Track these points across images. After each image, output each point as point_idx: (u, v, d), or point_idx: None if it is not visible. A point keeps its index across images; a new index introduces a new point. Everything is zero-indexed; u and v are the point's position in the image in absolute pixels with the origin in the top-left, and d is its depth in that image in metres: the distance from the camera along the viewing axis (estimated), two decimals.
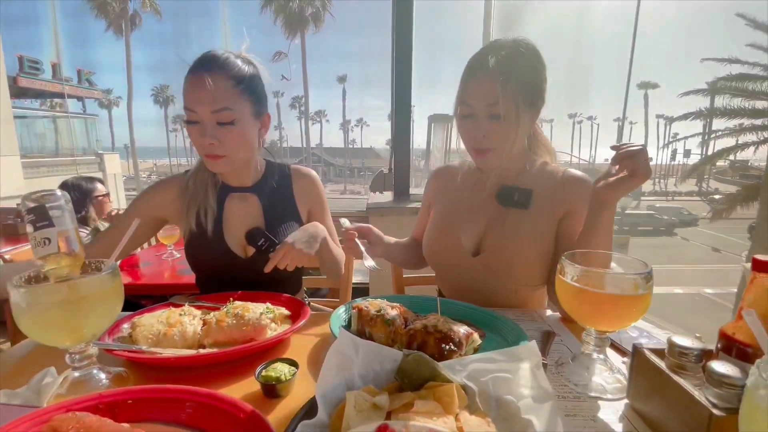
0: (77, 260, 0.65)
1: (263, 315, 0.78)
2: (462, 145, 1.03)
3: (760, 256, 0.51)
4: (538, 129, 1.07)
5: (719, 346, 0.55)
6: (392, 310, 0.79)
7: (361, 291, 2.23)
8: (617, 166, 0.79)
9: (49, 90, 15.35)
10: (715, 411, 0.46)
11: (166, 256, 2.18)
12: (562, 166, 1.04)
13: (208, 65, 0.96)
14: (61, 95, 16.60)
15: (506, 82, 0.89)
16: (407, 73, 2.45)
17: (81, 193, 2.41)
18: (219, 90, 0.95)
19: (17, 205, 4.42)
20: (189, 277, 1.99)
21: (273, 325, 0.80)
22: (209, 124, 0.96)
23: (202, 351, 0.74)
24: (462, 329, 0.71)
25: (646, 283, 0.61)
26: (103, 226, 2.31)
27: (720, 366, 0.49)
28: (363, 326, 0.79)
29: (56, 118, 15.95)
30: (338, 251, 1.18)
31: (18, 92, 14.05)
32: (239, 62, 1.00)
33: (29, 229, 0.62)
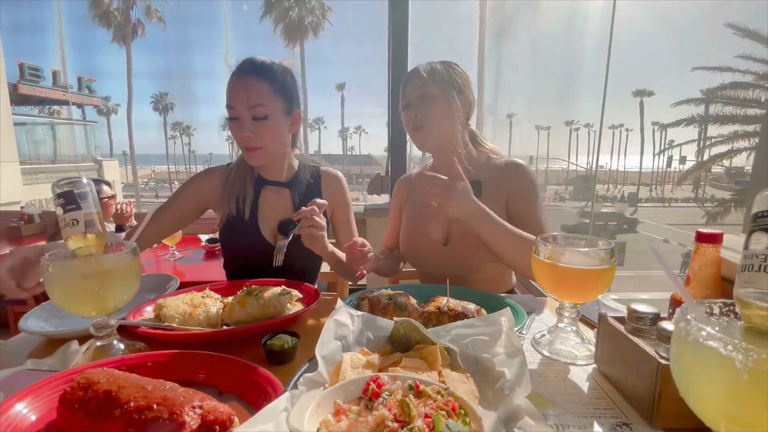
0: (101, 240, 0.72)
1: (282, 296, 0.86)
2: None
3: (703, 229, 0.58)
4: (478, 137, 1.25)
5: (671, 310, 0.63)
6: (402, 297, 0.84)
7: (357, 287, 2.29)
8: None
9: (50, 97, 15.51)
10: (662, 361, 0.53)
11: (168, 257, 2.25)
12: (504, 157, 1.22)
13: (246, 68, 1.11)
14: (61, 102, 16.73)
15: (435, 79, 1.13)
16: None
17: None
18: (254, 88, 1.08)
19: (21, 208, 4.46)
20: (191, 275, 2.06)
21: (289, 305, 0.87)
22: (246, 119, 1.09)
23: (226, 327, 0.81)
24: (471, 306, 0.78)
25: (610, 258, 0.68)
26: (109, 226, 2.37)
27: (669, 324, 0.56)
28: (376, 315, 0.83)
29: (55, 124, 16.03)
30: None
31: (19, 99, 14.22)
32: (274, 66, 1.13)
33: (59, 211, 0.69)
